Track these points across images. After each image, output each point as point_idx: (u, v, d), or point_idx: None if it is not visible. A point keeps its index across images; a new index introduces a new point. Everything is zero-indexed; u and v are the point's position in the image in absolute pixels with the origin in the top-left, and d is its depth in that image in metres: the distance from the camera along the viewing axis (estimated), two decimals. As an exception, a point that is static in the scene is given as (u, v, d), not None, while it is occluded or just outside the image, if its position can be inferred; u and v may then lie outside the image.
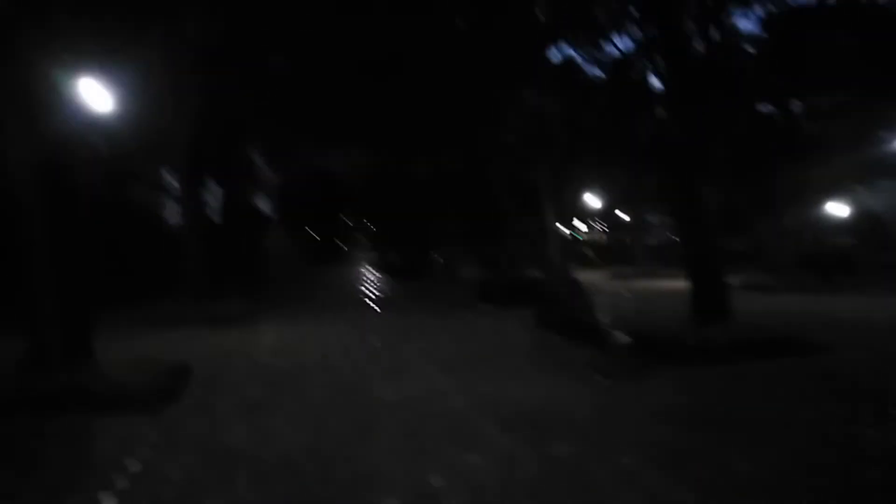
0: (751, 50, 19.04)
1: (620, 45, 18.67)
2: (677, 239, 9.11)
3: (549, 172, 32.03)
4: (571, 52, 20.78)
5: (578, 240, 43.16)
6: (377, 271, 34.49)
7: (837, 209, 38.78)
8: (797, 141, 18.57)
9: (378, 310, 14.78)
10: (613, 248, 32.15)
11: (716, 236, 8.55)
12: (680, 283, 10.91)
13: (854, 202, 40.97)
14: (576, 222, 47.04)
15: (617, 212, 41.27)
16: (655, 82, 11.27)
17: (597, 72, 23.22)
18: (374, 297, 18.69)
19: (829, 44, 17.43)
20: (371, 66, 17.38)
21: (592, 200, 32.47)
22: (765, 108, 19.60)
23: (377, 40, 15.89)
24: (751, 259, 21.43)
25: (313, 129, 22.36)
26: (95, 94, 8.21)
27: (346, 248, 60.76)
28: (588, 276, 23.67)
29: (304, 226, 44.77)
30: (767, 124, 19.44)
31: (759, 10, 16.42)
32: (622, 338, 7.96)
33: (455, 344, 9.27)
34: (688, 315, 8.65)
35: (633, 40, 14.87)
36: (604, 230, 43.23)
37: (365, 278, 28.58)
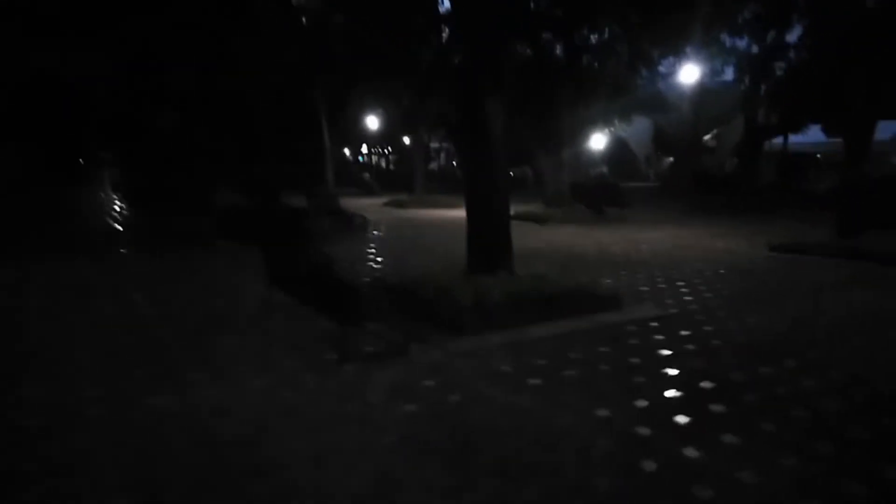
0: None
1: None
2: (460, 168, 7.30)
3: (327, 91, 28.99)
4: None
5: (362, 164, 40.99)
6: (118, 197, 28.98)
7: (597, 141, 41.65)
8: (575, 73, 18.42)
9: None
10: (395, 174, 30.55)
11: (504, 170, 6.84)
12: (459, 213, 9.41)
13: (610, 135, 44.43)
14: (361, 147, 44.72)
15: (404, 137, 39.82)
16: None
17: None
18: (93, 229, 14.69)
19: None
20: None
21: (373, 123, 30.28)
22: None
23: None
24: (529, 188, 21.28)
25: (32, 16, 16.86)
26: None
27: (92, 169, 51.41)
28: (363, 204, 21.78)
29: (29, 140, 36.21)
30: (550, 55, 19.13)
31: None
32: (377, 298, 6.02)
33: (155, 306, 6.61)
34: (465, 260, 6.99)
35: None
36: (386, 155, 41.55)
37: (100, 206, 23.43)
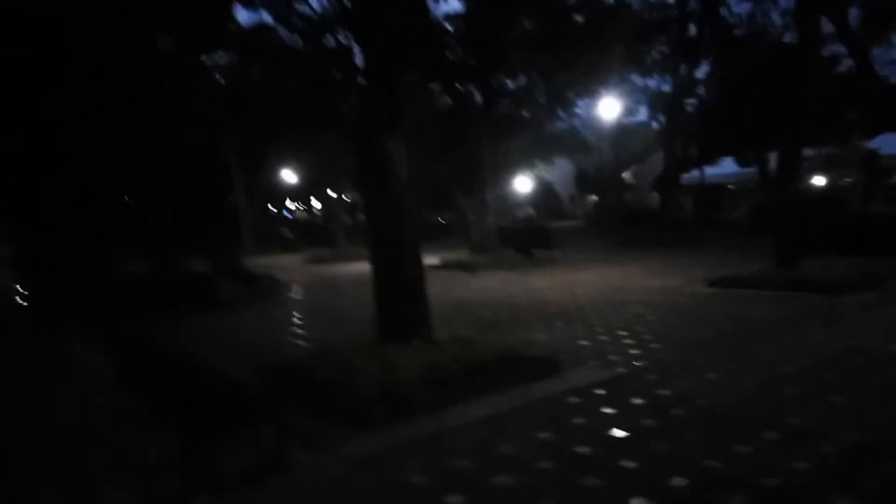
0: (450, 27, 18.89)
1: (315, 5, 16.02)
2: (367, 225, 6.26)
3: (244, 147, 27.59)
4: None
5: (288, 220, 39.36)
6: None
7: (523, 184, 41.80)
8: (493, 118, 18.07)
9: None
10: (321, 229, 29.21)
11: (412, 218, 5.80)
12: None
13: (534, 177, 44.78)
14: (285, 202, 43.12)
15: (328, 190, 38.62)
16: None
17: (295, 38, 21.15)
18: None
19: (517, 29, 17.92)
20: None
21: (293, 177, 29.06)
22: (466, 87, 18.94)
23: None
24: (453, 233, 20.50)
25: None
26: None
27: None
28: (282, 262, 20.32)
29: None
30: (469, 101, 18.84)
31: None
32: (261, 388, 4.76)
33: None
34: (377, 328, 5.85)
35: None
36: (307, 210, 40.18)
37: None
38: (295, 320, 9.53)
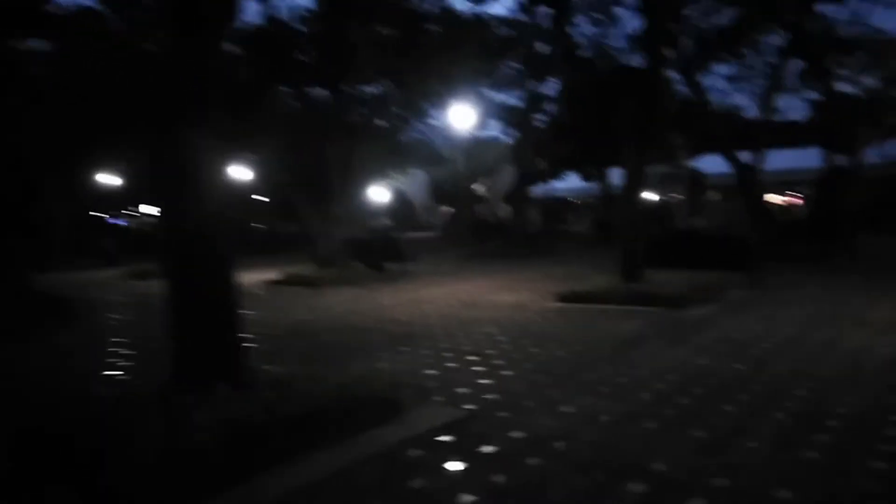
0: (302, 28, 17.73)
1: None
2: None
3: (63, 143, 24.30)
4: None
5: (116, 229, 35.15)
6: None
7: (379, 194, 41.05)
8: (343, 124, 17.07)
9: None
10: (144, 239, 26.25)
11: (221, 227, 4.70)
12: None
13: (391, 187, 44.28)
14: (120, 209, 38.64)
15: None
16: None
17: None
18: None
19: (370, 34, 17.17)
20: None
21: (116, 179, 25.96)
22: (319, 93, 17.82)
23: None
24: (301, 247, 19.15)
25: None
26: None
27: None
28: (100, 277, 17.77)
29: None
30: (320, 108, 17.75)
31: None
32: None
33: None
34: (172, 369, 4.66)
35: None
36: (139, 217, 36.41)
37: None
38: (89, 355, 7.86)
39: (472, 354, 6.58)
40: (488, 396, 5.09)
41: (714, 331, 7.33)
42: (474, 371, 5.91)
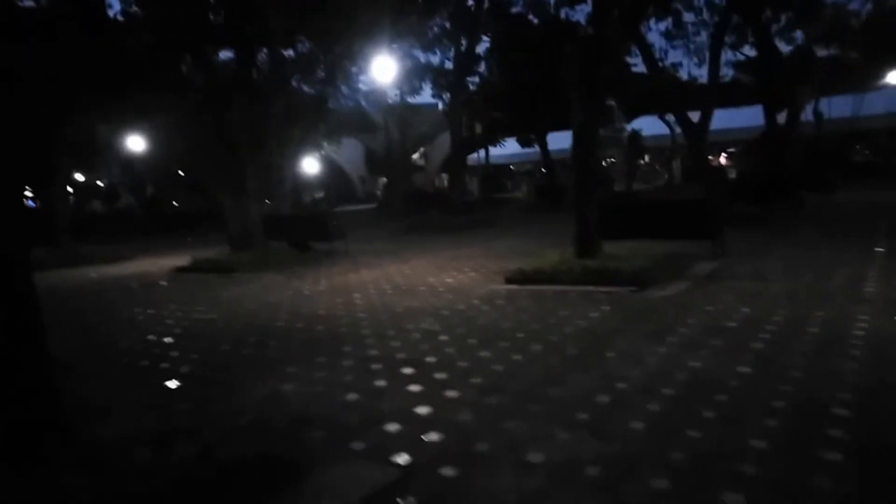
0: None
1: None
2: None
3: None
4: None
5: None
6: None
7: (310, 165, 38.74)
8: (253, 90, 15.04)
9: None
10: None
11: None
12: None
13: (323, 158, 41.94)
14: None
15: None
16: None
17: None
18: None
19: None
20: None
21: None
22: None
23: None
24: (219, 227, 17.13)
25: None
26: None
27: None
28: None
29: None
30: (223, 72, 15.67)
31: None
32: None
33: None
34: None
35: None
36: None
37: None
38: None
39: (406, 365, 5.16)
40: (429, 438, 3.70)
41: (695, 316, 6.16)
42: (409, 392, 4.51)
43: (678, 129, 21.73)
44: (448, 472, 3.24)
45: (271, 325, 7.19)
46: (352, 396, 4.51)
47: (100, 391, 5.01)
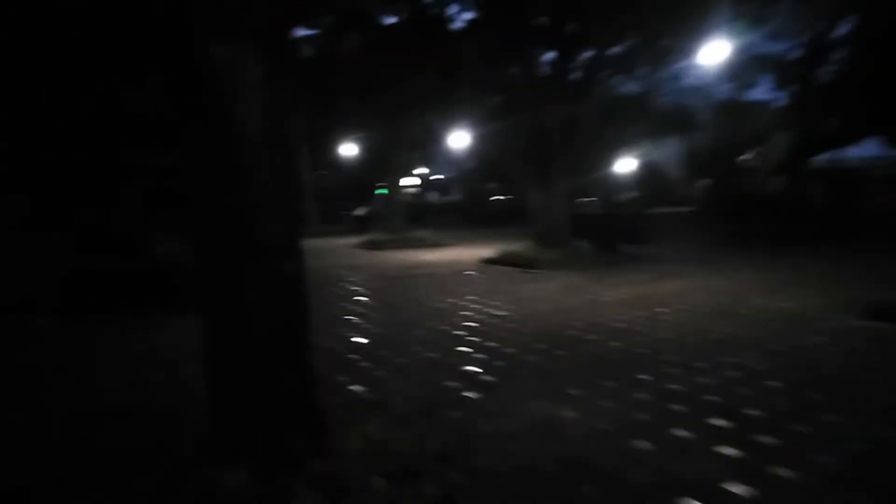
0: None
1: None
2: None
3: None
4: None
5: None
6: None
7: (625, 165, 37.53)
8: (571, 88, 14.59)
9: None
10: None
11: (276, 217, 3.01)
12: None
13: (640, 157, 40.36)
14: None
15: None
16: None
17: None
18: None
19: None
20: None
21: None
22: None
23: None
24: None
25: None
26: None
27: None
28: (336, 245, 18.27)
29: None
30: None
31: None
32: None
33: None
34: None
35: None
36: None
37: None
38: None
39: (718, 414, 4.05)
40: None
41: None
42: (719, 456, 3.44)
43: None
44: None
45: (562, 332, 6.62)
46: (642, 445, 3.64)
47: (377, 384, 4.97)
